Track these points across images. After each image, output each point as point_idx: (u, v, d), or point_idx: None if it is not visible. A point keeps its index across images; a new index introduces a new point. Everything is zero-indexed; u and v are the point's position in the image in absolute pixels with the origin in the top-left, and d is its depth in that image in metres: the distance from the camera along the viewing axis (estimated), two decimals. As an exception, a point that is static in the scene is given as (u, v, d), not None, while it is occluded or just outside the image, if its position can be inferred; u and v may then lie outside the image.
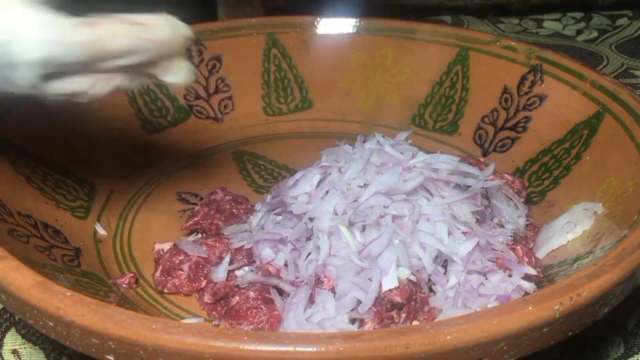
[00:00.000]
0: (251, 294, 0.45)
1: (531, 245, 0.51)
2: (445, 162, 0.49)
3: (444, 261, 0.46)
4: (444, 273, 0.46)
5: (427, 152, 0.62)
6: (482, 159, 0.61)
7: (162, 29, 0.42)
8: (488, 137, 0.63)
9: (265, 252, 0.48)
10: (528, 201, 0.56)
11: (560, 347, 0.36)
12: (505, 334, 0.33)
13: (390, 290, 0.43)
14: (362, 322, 0.43)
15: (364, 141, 0.53)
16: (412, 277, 0.44)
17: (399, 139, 0.54)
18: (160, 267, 0.49)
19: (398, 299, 0.43)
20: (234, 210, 0.55)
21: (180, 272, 0.49)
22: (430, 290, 0.46)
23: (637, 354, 0.47)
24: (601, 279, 0.36)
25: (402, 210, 0.46)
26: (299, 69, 0.70)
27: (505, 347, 0.33)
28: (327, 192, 0.49)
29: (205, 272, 0.49)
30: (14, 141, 0.53)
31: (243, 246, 0.50)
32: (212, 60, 0.68)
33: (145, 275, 0.51)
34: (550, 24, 0.99)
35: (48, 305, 0.34)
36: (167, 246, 0.51)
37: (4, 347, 0.47)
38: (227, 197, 0.56)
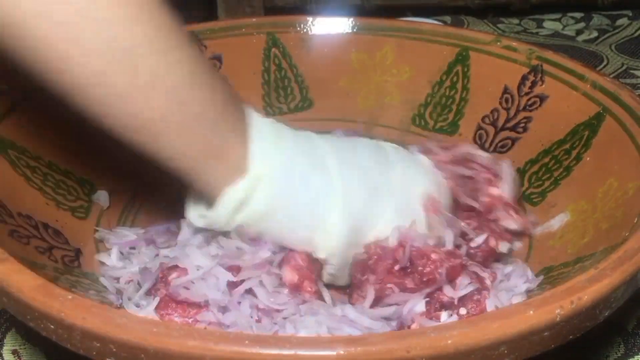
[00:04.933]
0: None
1: None
2: None
3: None
4: None
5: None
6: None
7: None
8: (488, 138, 0.63)
9: None
10: (528, 202, 0.56)
11: (561, 347, 0.36)
12: (506, 337, 0.33)
13: None
14: None
15: None
16: None
17: None
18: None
19: None
20: None
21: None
22: None
23: (637, 354, 0.47)
24: (602, 283, 0.36)
25: None
26: (299, 68, 0.70)
27: (506, 351, 0.33)
28: None
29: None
30: (14, 141, 0.53)
31: None
32: (212, 60, 0.68)
33: (146, 275, 0.51)
34: (550, 24, 0.99)
35: (49, 308, 0.34)
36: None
37: (5, 347, 0.47)
38: None
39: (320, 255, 0.48)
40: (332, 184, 0.47)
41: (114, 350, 0.33)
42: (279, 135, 0.47)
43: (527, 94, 0.62)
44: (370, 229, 0.48)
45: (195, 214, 0.48)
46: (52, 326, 0.35)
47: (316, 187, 0.47)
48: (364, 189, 0.48)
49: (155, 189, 0.60)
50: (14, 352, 0.47)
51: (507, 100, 0.63)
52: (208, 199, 0.46)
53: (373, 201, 0.48)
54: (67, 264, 0.48)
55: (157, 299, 0.45)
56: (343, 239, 0.47)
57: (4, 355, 0.47)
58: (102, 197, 0.57)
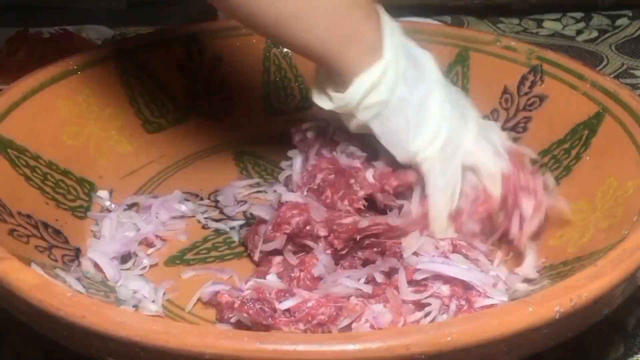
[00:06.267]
0: None
1: None
2: None
3: None
4: None
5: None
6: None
7: None
8: (488, 138, 0.63)
9: None
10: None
11: (560, 347, 0.36)
12: (506, 335, 0.33)
13: None
14: None
15: None
16: None
17: None
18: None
19: None
20: None
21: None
22: None
23: (637, 354, 0.47)
24: (601, 281, 0.36)
25: None
26: (299, 68, 0.70)
27: (505, 348, 0.33)
28: None
29: None
30: (14, 140, 0.53)
31: None
32: (212, 61, 0.68)
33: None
34: (550, 24, 0.99)
35: (48, 306, 0.34)
36: None
37: (4, 347, 0.47)
38: None
39: (419, 160, 0.49)
40: (434, 96, 0.50)
41: (113, 348, 0.33)
42: (403, 35, 0.51)
43: (526, 93, 0.62)
44: (458, 147, 0.50)
45: (323, 97, 0.51)
46: (51, 325, 0.35)
47: (424, 92, 0.50)
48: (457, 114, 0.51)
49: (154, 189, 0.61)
50: (14, 352, 0.47)
51: (506, 100, 0.63)
52: (341, 82, 0.49)
53: (462, 122, 0.51)
54: (66, 264, 0.48)
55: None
56: (440, 150, 0.49)
57: (4, 355, 0.47)
58: (102, 196, 0.57)
